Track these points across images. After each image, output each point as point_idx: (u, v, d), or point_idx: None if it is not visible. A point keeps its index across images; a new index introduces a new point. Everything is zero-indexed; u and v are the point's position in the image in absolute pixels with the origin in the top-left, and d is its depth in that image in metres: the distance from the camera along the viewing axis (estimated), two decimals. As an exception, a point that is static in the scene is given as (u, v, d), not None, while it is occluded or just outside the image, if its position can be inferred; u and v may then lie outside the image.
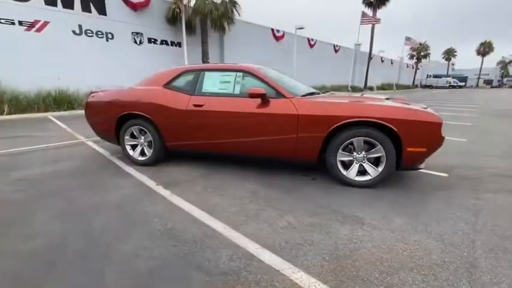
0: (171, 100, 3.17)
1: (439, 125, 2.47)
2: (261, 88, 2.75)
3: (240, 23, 15.72)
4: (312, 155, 2.79)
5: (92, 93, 3.74)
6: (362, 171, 2.71)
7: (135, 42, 12.59)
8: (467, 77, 58.37)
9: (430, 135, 2.49)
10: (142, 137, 3.43)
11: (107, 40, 11.55)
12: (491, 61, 61.17)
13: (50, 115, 8.12)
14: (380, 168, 2.62)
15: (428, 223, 2.03)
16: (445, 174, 3.08)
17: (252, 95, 2.74)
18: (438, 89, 43.97)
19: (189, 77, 3.25)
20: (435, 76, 53.03)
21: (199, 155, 3.53)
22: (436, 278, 1.47)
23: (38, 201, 2.44)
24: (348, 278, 1.47)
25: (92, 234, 1.91)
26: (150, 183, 2.87)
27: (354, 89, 27.83)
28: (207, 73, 3.17)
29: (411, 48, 44.66)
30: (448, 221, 2.07)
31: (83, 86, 9.38)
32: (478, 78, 56.24)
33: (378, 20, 29.47)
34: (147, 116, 3.23)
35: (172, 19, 13.42)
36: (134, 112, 3.29)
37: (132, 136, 3.47)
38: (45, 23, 9.50)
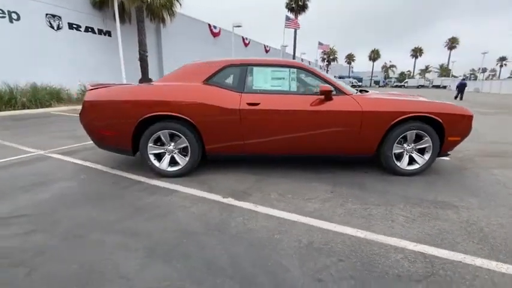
0: (217, 98, 2.72)
1: (471, 118, 2.98)
2: (328, 85, 2.69)
3: (179, 16, 14.61)
4: (371, 149, 2.91)
5: (91, 89, 2.83)
6: (410, 161, 3.00)
7: (51, 26, 10.11)
8: (362, 78, 70.90)
9: (465, 126, 2.98)
10: (173, 143, 2.84)
11: (11, 21, 8.87)
12: (378, 65, 75.99)
13: None
14: (426, 157, 2.97)
15: (487, 189, 2.44)
16: (448, 158, 3.72)
17: (323, 92, 2.65)
18: (345, 87, 51.61)
19: (234, 72, 2.87)
20: (340, 77, 62.38)
21: (227, 159, 3.17)
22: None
23: (83, 248, 1.73)
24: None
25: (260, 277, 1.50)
26: (213, 196, 2.42)
27: (284, 87, 29.93)
28: (255, 68, 2.86)
29: (323, 52, 51.13)
30: (493, 183, 2.53)
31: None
32: (371, 79, 69.02)
33: (298, 25, 32.21)
34: (185, 117, 2.69)
35: (100, 3, 11.36)
36: (166, 113, 2.69)
37: (157, 143, 2.83)
38: None
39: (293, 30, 32.03)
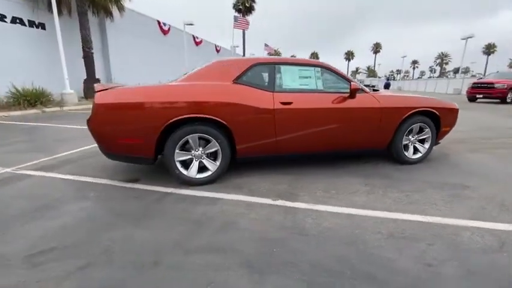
0: (251, 98, 2.61)
1: (458, 110, 3.50)
2: (357, 84, 2.83)
3: (125, 10, 13.33)
4: (385, 142, 3.18)
5: (101, 90, 2.37)
6: (414, 151, 3.38)
7: (-37, 14, 8.11)
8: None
9: (454, 118, 3.49)
10: (201, 148, 2.61)
11: None
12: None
13: None
14: (427, 146, 3.38)
15: (478, 170, 2.93)
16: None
17: (353, 91, 2.79)
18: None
19: (263, 71, 2.78)
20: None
21: (252, 161, 3.09)
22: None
23: None
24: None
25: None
26: (262, 200, 2.33)
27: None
28: (282, 67, 2.82)
29: (269, 53, 52.97)
30: (478, 165, 3.06)
31: None
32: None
33: (246, 26, 32.59)
34: (218, 119, 2.50)
35: (29, -11, 9.61)
36: (196, 115, 2.46)
37: (183, 148, 2.57)
38: None
39: (242, 31, 32.39)
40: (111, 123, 2.38)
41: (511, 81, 12.82)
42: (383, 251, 1.64)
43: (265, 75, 2.78)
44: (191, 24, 18.27)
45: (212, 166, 2.65)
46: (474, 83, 13.95)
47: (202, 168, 2.66)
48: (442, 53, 77.75)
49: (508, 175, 2.95)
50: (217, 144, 2.58)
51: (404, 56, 42.36)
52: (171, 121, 2.40)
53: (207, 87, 2.58)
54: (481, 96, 13.11)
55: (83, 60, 11.34)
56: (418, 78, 72.43)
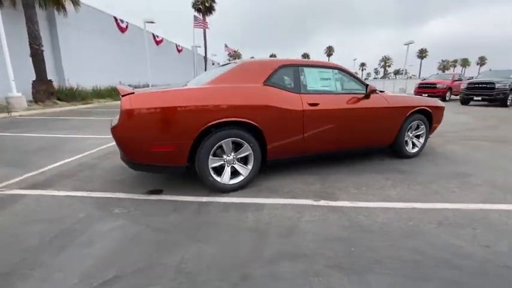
0: (282, 100, 2.59)
1: (444, 108, 3.95)
2: (373, 86, 3.01)
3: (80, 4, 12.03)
4: (392, 139, 3.44)
5: (127, 94, 2.10)
6: (412, 146, 3.73)
7: None
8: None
9: (441, 115, 3.92)
10: (233, 153, 2.51)
11: None
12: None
13: None
14: (422, 141, 3.75)
15: (469, 159, 3.37)
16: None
17: (371, 92, 2.96)
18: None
19: (289, 73, 2.77)
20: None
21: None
22: None
23: None
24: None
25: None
26: (305, 201, 2.34)
27: (199, 88, 29.24)
28: (305, 69, 2.85)
29: (228, 54, 52.75)
30: (465, 155, 3.52)
31: None
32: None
33: (206, 25, 31.94)
34: (252, 122, 2.44)
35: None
36: (232, 119, 2.36)
37: (215, 154, 2.44)
38: None
39: (202, 30, 31.68)
40: (144, 130, 2.14)
41: (449, 82, 14.94)
42: (443, 238, 1.78)
43: (290, 77, 2.79)
44: (152, 22, 17.26)
45: (244, 171, 2.57)
46: (420, 84, 15.83)
47: (233, 174, 2.56)
48: (385, 56, 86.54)
49: (493, 163, 3.44)
50: (249, 148, 2.51)
51: (355, 59, 45.99)
52: (207, 125, 2.27)
53: (241, 89, 2.49)
54: (426, 95, 14.93)
55: (30, 58, 9.90)
56: (365, 79, 79.67)
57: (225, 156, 2.49)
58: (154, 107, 2.14)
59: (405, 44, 28.45)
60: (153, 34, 21.36)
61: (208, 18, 32.70)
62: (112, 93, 13.98)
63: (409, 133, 3.63)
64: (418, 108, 3.46)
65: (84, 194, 2.48)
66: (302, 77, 2.81)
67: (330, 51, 72.92)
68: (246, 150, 2.53)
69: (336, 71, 3.08)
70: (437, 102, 3.84)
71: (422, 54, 76.79)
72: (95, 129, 5.86)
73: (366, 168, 3.22)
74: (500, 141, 4.68)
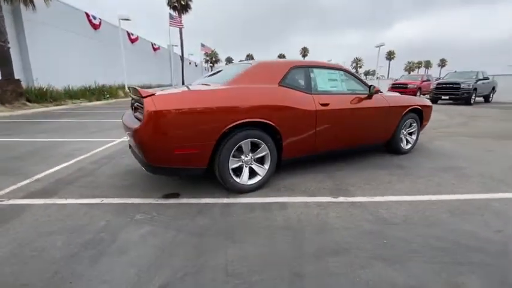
0: (296, 100, 2.64)
1: (432, 107, 4.25)
2: (377, 86, 3.17)
3: (48, -2, 11.19)
4: (389, 136, 3.65)
5: (149, 95, 2.02)
6: (406, 142, 3.98)
7: None
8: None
9: (430, 113, 4.22)
10: (251, 154, 2.53)
11: None
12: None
13: None
14: (414, 137, 4.02)
15: (458, 154, 3.68)
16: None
17: (375, 92, 3.12)
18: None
19: (300, 74, 2.83)
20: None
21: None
22: None
23: None
24: None
25: None
26: (324, 199, 2.42)
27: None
28: (315, 70, 2.93)
29: (205, 53, 52.05)
30: (453, 150, 3.85)
31: None
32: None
33: (182, 24, 31.11)
34: (270, 122, 2.47)
35: None
36: (251, 120, 2.37)
37: (233, 155, 2.44)
38: None
39: (179, 30, 30.91)
40: (168, 132, 2.07)
41: (419, 82, 16.06)
42: (460, 226, 1.95)
43: (302, 78, 2.85)
44: (127, 20, 16.53)
45: (261, 171, 2.59)
46: (393, 84, 16.82)
47: (250, 174, 2.57)
48: (356, 57, 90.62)
49: (478, 156, 3.77)
50: (267, 148, 2.54)
51: (330, 60, 47.57)
52: (230, 126, 2.26)
53: (260, 90, 2.51)
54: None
55: (-6, 56, 9.03)
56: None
57: (243, 157, 2.50)
58: (179, 108, 2.09)
59: (377, 46, 30.06)
60: (127, 32, 20.44)
61: (184, 17, 31.96)
62: (86, 93, 13.19)
63: (403, 130, 3.87)
64: (412, 107, 3.71)
65: (97, 201, 2.35)
66: (312, 78, 2.89)
67: (305, 51, 74.82)
68: (264, 151, 2.55)
69: (342, 72, 3.21)
70: (427, 101, 4.13)
71: (390, 56, 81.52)
72: (79, 132, 5.52)
73: (368, 165, 3.38)
74: (476, 137, 5.14)
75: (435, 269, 1.49)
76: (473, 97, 12.02)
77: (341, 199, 2.41)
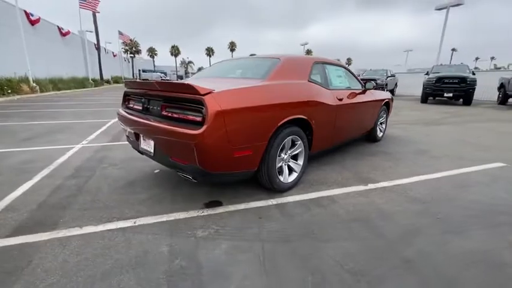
0: (323, 95, 2.71)
1: (393, 99, 4.98)
2: (373, 82, 3.52)
3: None
4: (371, 126, 4.14)
5: (207, 92, 1.69)
6: (380, 130, 4.58)
7: None
8: (166, 72, 72.35)
9: (392, 105, 4.94)
10: (289, 151, 2.49)
11: None
12: (178, 61, 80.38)
13: None
14: (384, 126, 4.66)
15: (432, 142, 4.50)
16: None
17: (373, 87, 3.44)
18: (157, 82, 50.70)
19: (319, 70, 2.89)
20: (144, 71, 59.84)
21: None
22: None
23: None
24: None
25: None
26: (356, 188, 2.59)
27: (96, 82, 24.61)
28: (327, 66, 3.05)
29: (123, 42, 46.19)
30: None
31: None
32: (176, 73, 71.98)
33: (95, 8, 26.75)
34: (307, 118, 2.48)
35: None
36: (296, 117, 2.33)
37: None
38: None
39: (92, 14, 26.47)
40: (232, 134, 1.82)
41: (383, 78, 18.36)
42: (476, 196, 2.41)
43: (321, 74, 2.93)
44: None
45: (297, 167, 2.59)
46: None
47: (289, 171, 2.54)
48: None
49: (431, 140, 4.66)
50: (302, 144, 2.55)
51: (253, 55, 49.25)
52: (280, 124, 2.16)
53: (297, 86, 2.47)
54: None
55: None
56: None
57: (282, 155, 2.43)
58: (240, 106, 1.87)
59: (302, 45, 32.77)
60: (25, 12, 16.28)
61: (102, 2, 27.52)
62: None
63: (381, 119, 4.45)
64: (386, 100, 4.29)
65: (127, 223, 1.90)
66: (327, 74, 3.02)
67: (232, 46, 75.20)
68: (300, 147, 2.55)
69: (344, 69, 3.45)
70: (389, 94, 4.85)
71: (309, 54, 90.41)
72: (17, 136, 4.22)
73: (360, 154, 3.74)
74: (411, 124, 6.31)
75: (490, 233, 1.84)
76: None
77: (371, 186, 2.64)
